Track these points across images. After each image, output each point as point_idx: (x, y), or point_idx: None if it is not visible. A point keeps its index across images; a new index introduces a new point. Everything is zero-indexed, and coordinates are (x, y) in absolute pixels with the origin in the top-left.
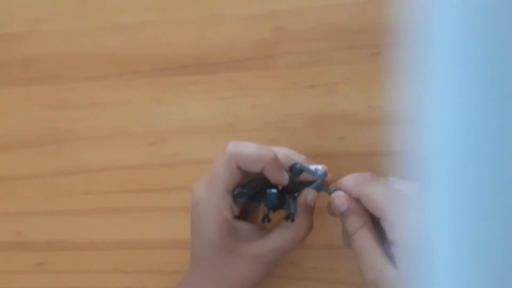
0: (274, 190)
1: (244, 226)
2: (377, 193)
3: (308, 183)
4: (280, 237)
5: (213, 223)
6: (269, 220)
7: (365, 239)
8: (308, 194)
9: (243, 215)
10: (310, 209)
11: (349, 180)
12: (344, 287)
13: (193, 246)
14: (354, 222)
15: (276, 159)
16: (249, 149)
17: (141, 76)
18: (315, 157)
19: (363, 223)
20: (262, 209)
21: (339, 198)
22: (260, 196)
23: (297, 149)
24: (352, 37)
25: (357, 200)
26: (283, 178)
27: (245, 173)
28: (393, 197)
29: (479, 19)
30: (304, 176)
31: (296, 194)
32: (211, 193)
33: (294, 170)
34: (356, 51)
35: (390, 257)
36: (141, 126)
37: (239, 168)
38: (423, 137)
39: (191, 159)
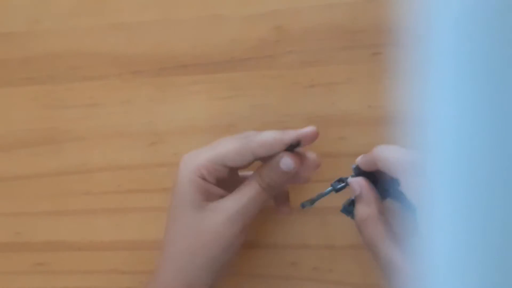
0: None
1: (217, 191)
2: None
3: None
4: (243, 191)
5: (189, 176)
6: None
7: (373, 229)
8: (283, 160)
9: (222, 186)
10: (283, 175)
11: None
12: (344, 287)
13: (168, 213)
14: (363, 209)
15: (285, 133)
16: (266, 135)
17: (141, 76)
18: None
19: (370, 212)
20: (239, 184)
21: (354, 183)
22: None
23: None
24: (352, 37)
25: (371, 189)
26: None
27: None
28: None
29: (478, 19)
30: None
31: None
32: (203, 152)
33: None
34: (356, 51)
35: (399, 245)
36: (141, 126)
37: (252, 153)
38: (423, 136)
39: None
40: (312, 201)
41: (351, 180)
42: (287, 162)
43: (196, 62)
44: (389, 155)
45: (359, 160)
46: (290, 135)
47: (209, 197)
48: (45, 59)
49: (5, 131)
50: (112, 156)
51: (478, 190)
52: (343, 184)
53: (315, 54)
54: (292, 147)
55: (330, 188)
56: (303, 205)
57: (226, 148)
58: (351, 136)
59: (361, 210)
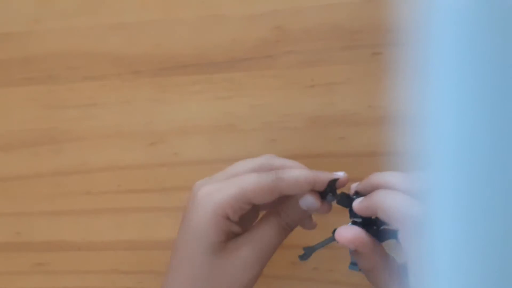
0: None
1: (237, 230)
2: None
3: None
4: (260, 233)
5: (213, 217)
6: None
7: (379, 279)
8: (309, 200)
9: (240, 222)
10: (304, 214)
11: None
12: (344, 287)
13: (178, 245)
14: (365, 263)
15: (317, 173)
16: (296, 173)
17: (141, 76)
18: (315, 157)
19: (373, 264)
20: (255, 219)
21: (345, 240)
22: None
23: (297, 149)
24: (352, 37)
25: (365, 241)
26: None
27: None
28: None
29: (479, 19)
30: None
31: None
32: (228, 187)
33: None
34: (356, 51)
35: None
36: (141, 126)
37: (280, 192)
38: (423, 137)
39: (191, 159)
40: (311, 251)
41: (339, 237)
42: (310, 201)
43: (196, 62)
44: (390, 205)
45: (356, 205)
46: (322, 178)
47: (228, 237)
48: (45, 59)
49: (5, 131)
50: (112, 156)
51: (478, 191)
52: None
53: (315, 54)
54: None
55: (331, 237)
56: (301, 258)
57: (253, 185)
58: (351, 136)
59: (362, 264)
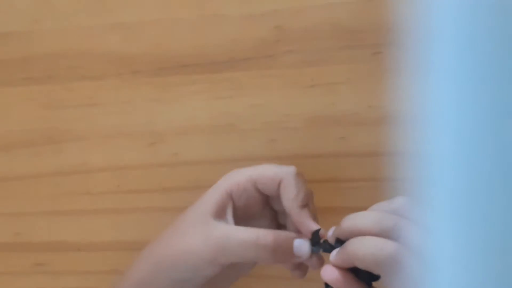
0: None
1: (230, 218)
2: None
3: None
4: (242, 232)
5: (219, 190)
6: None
7: None
8: (300, 246)
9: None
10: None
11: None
12: None
13: (179, 217)
14: None
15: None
16: (298, 186)
17: (141, 76)
18: (315, 157)
19: None
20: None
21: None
22: None
23: (297, 149)
24: (353, 37)
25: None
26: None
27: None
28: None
29: (479, 19)
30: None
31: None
32: (241, 171)
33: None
34: (357, 51)
35: None
36: (140, 126)
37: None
38: (424, 137)
39: (191, 159)
40: None
41: (323, 274)
42: (301, 246)
43: (196, 62)
44: (364, 254)
45: (332, 259)
46: (305, 221)
47: (219, 216)
48: (45, 59)
49: (5, 131)
50: (112, 156)
51: (479, 191)
52: None
53: (315, 54)
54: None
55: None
56: None
57: (264, 169)
58: (351, 136)
59: None
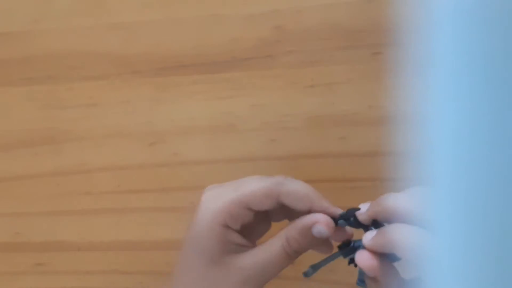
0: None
1: (238, 240)
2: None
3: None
4: (265, 251)
5: (209, 224)
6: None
7: None
8: (317, 226)
9: (245, 233)
10: (311, 239)
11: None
12: (344, 287)
13: (180, 254)
14: (375, 284)
15: (321, 197)
16: (298, 186)
17: (141, 76)
18: (315, 157)
19: (383, 285)
20: (264, 232)
21: (364, 265)
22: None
23: (297, 149)
24: (352, 37)
25: (383, 266)
26: (333, 211)
27: (278, 205)
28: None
29: (479, 19)
30: None
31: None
32: (226, 192)
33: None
34: (356, 51)
35: None
36: (140, 126)
37: (278, 198)
38: (424, 137)
39: (191, 159)
40: (316, 268)
41: (359, 261)
42: (321, 229)
43: (196, 62)
44: (412, 243)
45: (368, 242)
46: (323, 205)
47: (228, 248)
48: (45, 59)
49: (5, 131)
50: (111, 156)
51: (479, 191)
52: (352, 255)
53: (315, 54)
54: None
55: (338, 252)
56: (306, 274)
57: (252, 188)
58: (351, 136)
59: (372, 283)
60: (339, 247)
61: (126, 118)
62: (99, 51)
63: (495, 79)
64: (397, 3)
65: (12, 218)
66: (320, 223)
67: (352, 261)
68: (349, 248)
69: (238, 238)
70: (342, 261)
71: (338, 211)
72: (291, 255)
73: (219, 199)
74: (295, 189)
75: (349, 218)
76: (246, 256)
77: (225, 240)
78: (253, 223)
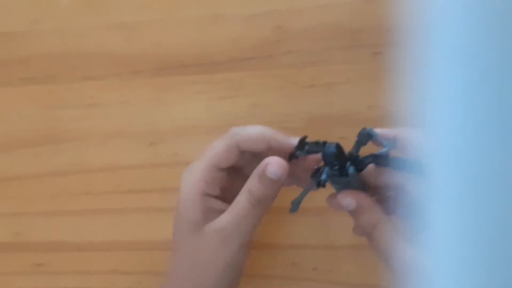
0: (333, 148)
1: (219, 206)
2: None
3: (374, 158)
4: (234, 208)
5: (187, 197)
6: (324, 185)
7: (386, 235)
8: (270, 168)
9: (226, 197)
10: (271, 183)
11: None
12: (344, 287)
13: (173, 232)
14: (369, 219)
15: (277, 133)
16: (251, 129)
17: (141, 76)
18: None
19: (378, 218)
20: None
21: (345, 198)
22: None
23: None
24: (353, 37)
25: (365, 195)
26: (291, 142)
27: (242, 155)
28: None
29: (479, 19)
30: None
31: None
32: (197, 163)
33: (362, 136)
34: (357, 51)
35: (415, 245)
36: (141, 126)
37: (238, 147)
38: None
39: (191, 159)
40: (297, 202)
41: (340, 197)
42: (273, 169)
43: (196, 62)
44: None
45: (381, 130)
46: (279, 140)
47: (210, 216)
48: (44, 59)
49: (5, 131)
50: (111, 156)
51: (479, 191)
52: (322, 179)
53: (315, 54)
54: (317, 183)
55: (310, 182)
56: (292, 210)
57: (215, 150)
58: (351, 136)
59: (366, 219)
60: (311, 176)
61: (126, 118)
62: (99, 51)
63: (496, 78)
64: (397, 3)
65: (12, 218)
66: (271, 164)
67: (319, 184)
68: (319, 174)
69: (218, 204)
70: (342, 262)
71: (295, 140)
72: (256, 204)
73: (194, 170)
74: (248, 133)
75: (303, 147)
76: (221, 217)
77: (206, 208)
78: (231, 184)
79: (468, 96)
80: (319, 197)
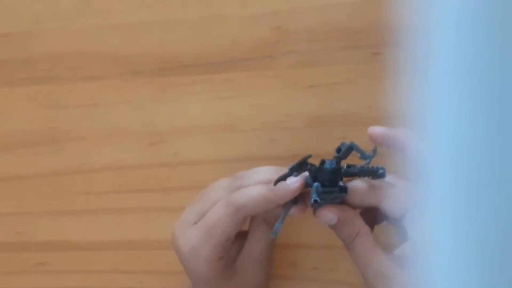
0: (328, 166)
1: (233, 252)
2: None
3: (359, 171)
4: (259, 233)
5: (208, 267)
6: (319, 203)
7: (364, 246)
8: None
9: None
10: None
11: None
12: (344, 287)
13: (191, 279)
14: (348, 231)
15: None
16: (252, 194)
17: (141, 76)
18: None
19: (357, 230)
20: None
21: (325, 214)
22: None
23: (297, 149)
24: (352, 37)
25: (346, 208)
26: (296, 188)
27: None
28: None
29: (479, 19)
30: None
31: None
32: (208, 241)
33: (342, 152)
34: (356, 51)
35: (396, 257)
36: (141, 126)
37: (245, 217)
38: (423, 136)
39: (191, 159)
40: (277, 230)
41: (319, 213)
42: (294, 212)
43: (196, 62)
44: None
45: (377, 129)
46: (280, 196)
47: (230, 262)
48: (45, 59)
49: (5, 131)
50: (112, 156)
51: (480, 191)
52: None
53: (315, 54)
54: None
55: (287, 205)
56: (274, 236)
57: (222, 226)
58: (351, 136)
59: (346, 230)
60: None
61: (126, 118)
62: (99, 51)
63: (495, 78)
64: (397, 3)
65: (12, 218)
66: (327, 215)
67: (315, 202)
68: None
69: (232, 251)
70: (342, 261)
71: (292, 189)
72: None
73: (204, 249)
74: (252, 205)
75: (301, 168)
76: (245, 253)
77: (226, 263)
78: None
79: (468, 96)
80: None
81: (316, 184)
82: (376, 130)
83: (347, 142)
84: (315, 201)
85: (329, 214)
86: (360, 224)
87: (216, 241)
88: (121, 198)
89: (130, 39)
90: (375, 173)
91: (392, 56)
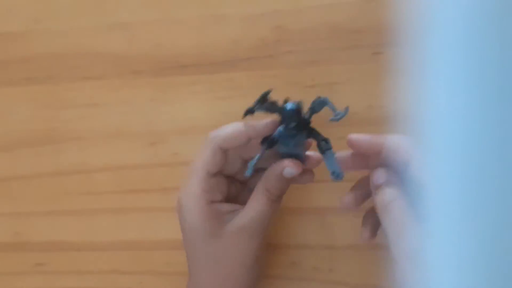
0: (294, 106)
1: (227, 208)
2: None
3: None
4: (252, 208)
5: (194, 210)
6: (252, 113)
7: (402, 209)
8: (286, 169)
9: (227, 198)
10: (284, 180)
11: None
12: (344, 287)
13: (185, 244)
14: (391, 192)
15: (252, 122)
16: (227, 128)
17: (141, 76)
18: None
19: (398, 195)
20: (246, 192)
21: (378, 172)
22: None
23: None
24: (353, 37)
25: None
26: (267, 124)
27: (227, 154)
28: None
29: (480, 19)
30: None
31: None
32: (190, 179)
33: (315, 104)
34: (357, 51)
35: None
36: (141, 126)
37: (221, 148)
38: (424, 136)
39: (191, 159)
40: (252, 165)
41: (375, 171)
42: (289, 170)
43: (196, 62)
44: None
45: (355, 136)
46: (253, 128)
47: (222, 218)
48: (45, 59)
49: (5, 131)
50: (112, 156)
51: (480, 191)
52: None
53: (315, 54)
54: (269, 142)
55: (262, 147)
56: (248, 172)
57: (202, 159)
58: None
59: (391, 192)
60: (261, 142)
61: (126, 118)
62: (99, 51)
63: (496, 78)
64: (397, 3)
65: (12, 218)
66: (289, 166)
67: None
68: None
69: (225, 206)
70: (343, 262)
71: (270, 123)
72: (276, 200)
73: (190, 186)
74: (226, 132)
75: (263, 103)
76: (241, 216)
77: (217, 213)
78: (228, 190)
79: (468, 96)
80: (319, 197)
81: (280, 126)
82: (355, 137)
83: (322, 96)
84: (274, 138)
85: (380, 173)
86: (399, 189)
87: (200, 175)
88: (121, 198)
89: (130, 39)
90: (320, 140)
91: (392, 56)
